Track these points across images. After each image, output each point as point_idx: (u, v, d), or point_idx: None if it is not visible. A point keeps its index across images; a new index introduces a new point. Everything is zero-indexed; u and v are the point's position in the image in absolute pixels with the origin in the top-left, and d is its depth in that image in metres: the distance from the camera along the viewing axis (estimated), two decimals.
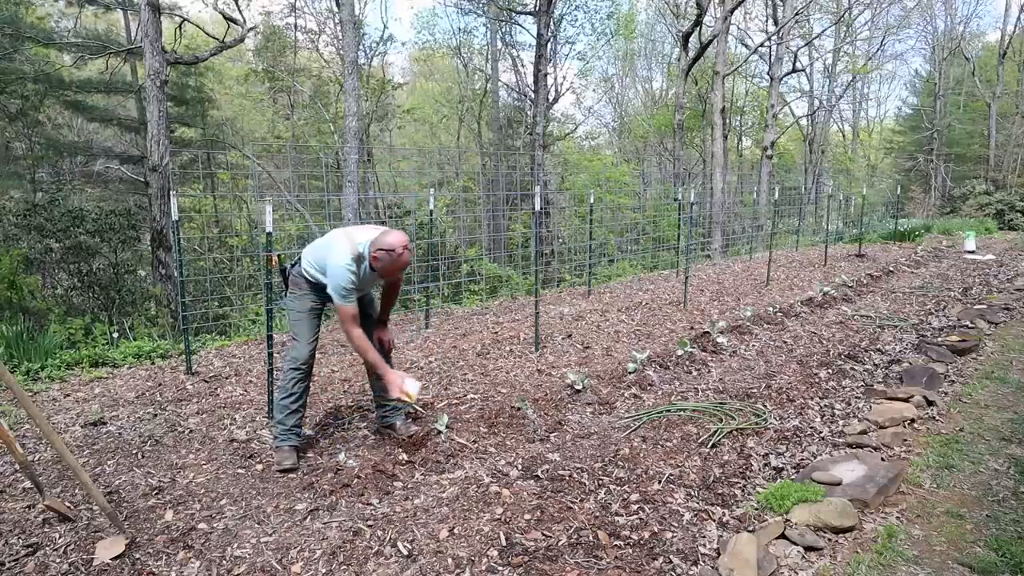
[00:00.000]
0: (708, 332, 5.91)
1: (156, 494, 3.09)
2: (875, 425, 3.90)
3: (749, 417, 3.99)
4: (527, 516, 2.80)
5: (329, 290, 3.26)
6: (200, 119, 19.61)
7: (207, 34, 15.63)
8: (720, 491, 3.07)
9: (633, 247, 15.25)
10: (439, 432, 3.67)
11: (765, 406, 4.20)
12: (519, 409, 4.06)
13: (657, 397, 4.43)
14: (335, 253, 3.21)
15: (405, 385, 3.37)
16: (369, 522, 2.78)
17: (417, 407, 3.66)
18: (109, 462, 3.45)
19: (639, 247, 15.19)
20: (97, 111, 17.98)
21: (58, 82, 15.33)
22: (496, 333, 6.35)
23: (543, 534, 2.66)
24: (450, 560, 2.50)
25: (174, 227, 5.01)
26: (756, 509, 2.90)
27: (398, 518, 2.81)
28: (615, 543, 2.61)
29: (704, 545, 2.62)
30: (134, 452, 3.57)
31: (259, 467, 3.37)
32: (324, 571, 2.47)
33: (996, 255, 12.56)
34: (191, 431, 3.89)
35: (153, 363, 5.47)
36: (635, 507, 2.89)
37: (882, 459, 3.40)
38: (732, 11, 16.99)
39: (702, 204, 16.40)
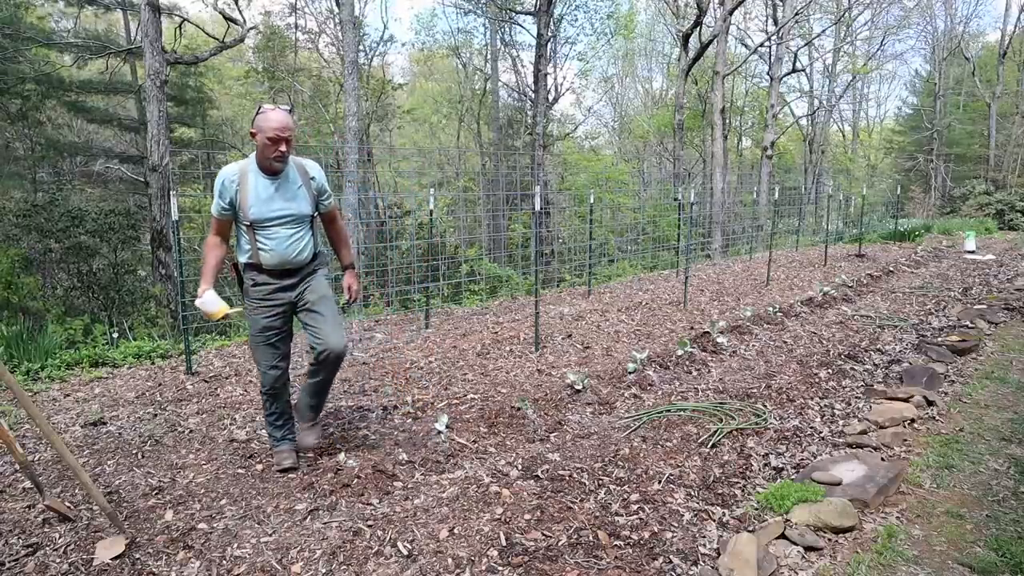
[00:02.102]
0: (708, 332, 5.91)
1: (156, 494, 3.08)
2: (875, 425, 3.90)
3: (749, 417, 3.99)
4: (527, 516, 2.80)
5: None
6: (200, 119, 19.62)
7: (207, 34, 15.66)
8: (720, 491, 3.07)
9: (633, 247, 15.26)
10: (439, 432, 3.67)
11: (765, 406, 4.20)
12: (519, 409, 4.06)
13: (657, 397, 4.43)
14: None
15: (208, 308, 3.10)
16: (369, 522, 2.78)
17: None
18: (109, 462, 3.45)
19: (639, 247, 15.21)
20: (97, 111, 17.98)
21: (58, 83, 15.34)
22: (496, 333, 6.35)
23: (543, 534, 2.66)
24: (450, 560, 2.50)
25: (174, 227, 5.02)
26: (756, 509, 2.90)
27: (398, 518, 2.81)
28: (615, 543, 2.61)
29: (704, 545, 2.62)
30: (134, 452, 3.57)
31: (259, 467, 3.36)
32: (324, 571, 2.47)
33: (996, 255, 12.56)
34: (191, 431, 3.89)
35: (153, 363, 5.47)
36: (635, 507, 2.89)
37: (882, 459, 3.40)
38: (732, 11, 17.00)
39: (702, 204, 16.41)
